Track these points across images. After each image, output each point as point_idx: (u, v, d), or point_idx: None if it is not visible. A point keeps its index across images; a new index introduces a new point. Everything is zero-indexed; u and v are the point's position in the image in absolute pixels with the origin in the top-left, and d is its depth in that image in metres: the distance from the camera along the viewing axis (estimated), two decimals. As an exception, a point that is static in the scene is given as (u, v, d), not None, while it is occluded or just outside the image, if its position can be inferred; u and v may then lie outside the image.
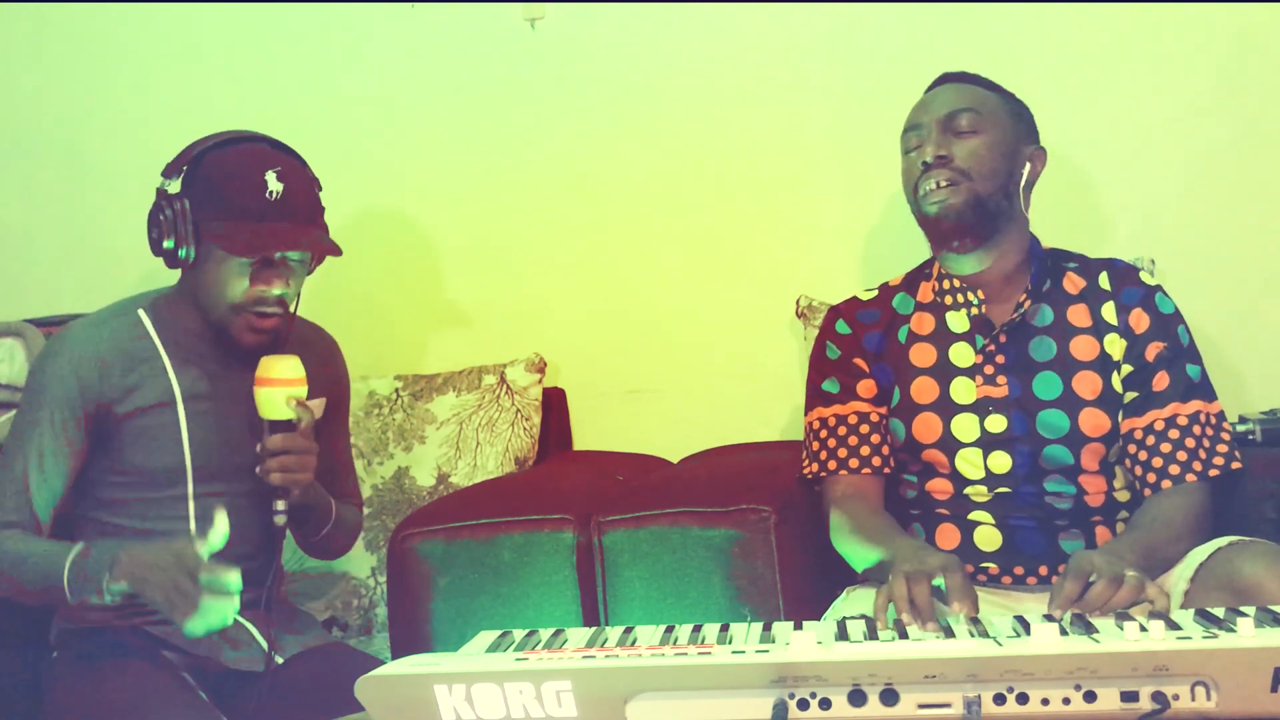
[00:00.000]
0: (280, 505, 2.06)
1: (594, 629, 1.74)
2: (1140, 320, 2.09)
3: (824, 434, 2.16)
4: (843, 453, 2.14)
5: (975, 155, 2.06)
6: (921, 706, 1.43)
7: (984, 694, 1.43)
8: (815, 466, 2.16)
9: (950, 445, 2.08)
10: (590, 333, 2.91)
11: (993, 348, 2.10)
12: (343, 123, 2.95)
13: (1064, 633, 1.53)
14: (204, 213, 2.06)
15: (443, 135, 2.94)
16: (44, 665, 2.18)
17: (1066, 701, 1.42)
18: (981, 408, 2.08)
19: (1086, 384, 2.07)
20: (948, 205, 2.05)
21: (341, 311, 2.69)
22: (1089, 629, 1.57)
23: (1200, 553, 1.89)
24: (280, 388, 2.07)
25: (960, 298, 2.12)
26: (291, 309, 2.13)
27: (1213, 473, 2.04)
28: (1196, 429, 2.05)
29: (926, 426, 2.10)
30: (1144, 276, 2.13)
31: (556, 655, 1.50)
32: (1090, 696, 1.42)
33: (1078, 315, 2.11)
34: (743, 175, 2.84)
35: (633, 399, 2.90)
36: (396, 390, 2.77)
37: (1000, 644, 1.48)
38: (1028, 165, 2.10)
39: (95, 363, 2.10)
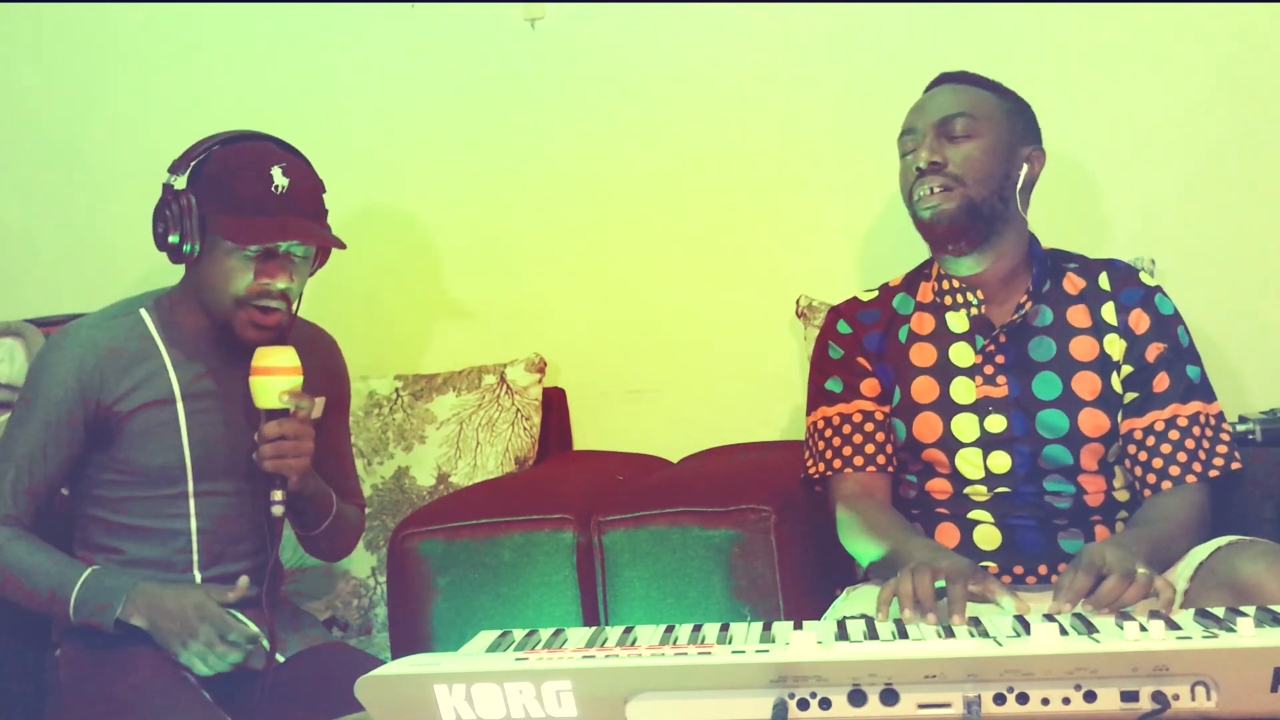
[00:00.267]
0: (277, 495, 2.06)
1: (594, 629, 1.74)
2: (1140, 321, 2.09)
3: (828, 433, 2.16)
4: (848, 451, 2.13)
5: (969, 160, 2.05)
6: (921, 706, 1.43)
7: (984, 694, 1.43)
8: (821, 466, 2.16)
9: (950, 445, 2.08)
10: (590, 333, 2.91)
11: (992, 348, 2.10)
12: (343, 122, 2.95)
13: (1064, 632, 1.53)
14: (210, 207, 2.07)
15: (443, 135, 2.94)
16: (46, 664, 2.18)
17: (1066, 701, 1.42)
18: (981, 408, 2.08)
19: (1086, 384, 2.07)
20: (941, 211, 2.05)
21: (341, 311, 2.69)
22: (1089, 629, 1.57)
23: (1200, 552, 1.89)
24: (275, 376, 2.08)
25: (960, 298, 2.12)
26: (294, 305, 2.14)
27: (1212, 473, 2.04)
28: (1196, 430, 2.05)
29: (927, 426, 2.10)
30: (1144, 277, 2.13)
31: (556, 655, 1.50)
32: (1090, 696, 1.42)
33: (1077, 316, 2.11)
34: (743, 175, 2.84)
35: (633, 399, 2.90)
36: (396, 390, 2.77)
37: (1000, 644, 1.48)
38: (1025, 167, 2.10)
39: (95, 362, 2.11)
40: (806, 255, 2.81)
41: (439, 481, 2.69)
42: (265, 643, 2.12)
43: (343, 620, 2.62)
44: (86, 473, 2.15)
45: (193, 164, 2.09)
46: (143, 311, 2.18)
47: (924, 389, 2.11)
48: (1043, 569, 2.04)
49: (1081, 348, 2.09)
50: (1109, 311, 2.10)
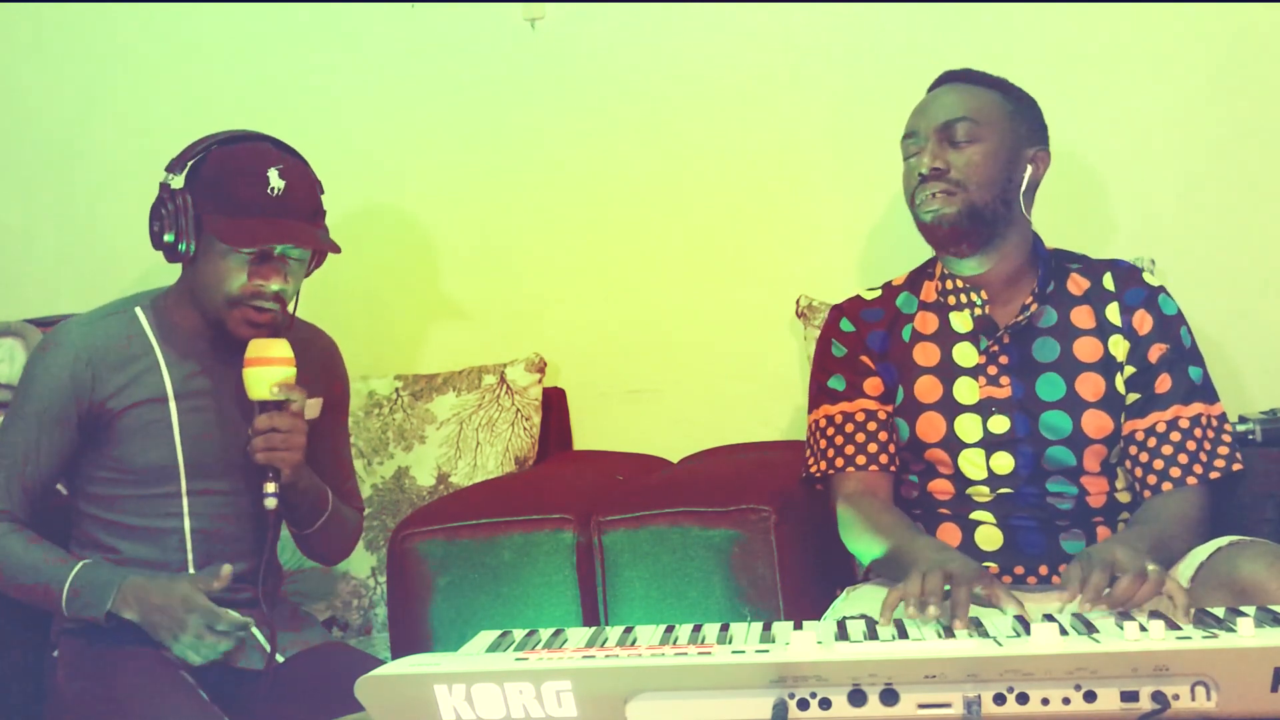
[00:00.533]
0: (270, 487, 2.06)
1: (594, 629, 1.74)
2: (1144, 322, 2.09)
3: (831, 431, 2.15)
4: (850, 450, 2.13)
5: (971, 165, 2.05)
6: (921, 706, 1.43)
7: (984, 694, 1.43)
8: (823, 464, 2.15)
9: (953, 445, 2.08)
10: (590, 333, 2.91)
11: (996, 348, 2.09)
12: (343, 122, 2.95)
13: (1064, 632, 1.53)
14: (206, 207, 2.07)
15: (443, 135, 2.94)
16: (45, 665, 2.18)
17: (1066, 701, 1.42)
18: (984, 408, 2.08)
19: (1089, 385, 2.07)
20: (942, 215, 2.05)
21: (341, 311, 2.69)
22: (1089, 629, 1.57)
23: (1201, 552, 1.89)
24: (268, 367, 2.08)
25: (964, 298, 2.12)
26: (290, 307, 2.14)
27: (1213, 475, 2.04)
28: (1198, 431, 2.05)
29: (930, 426, 2.09)
30: (1147, 277, 2.13)
31: (556, 655, 1.50)
32: (1090, 696, 1.42)
33: (1081, 317, 2.11)
34: (743, 175, 2.84)
35: (633, 399, 2.90)
36: (396, 390, 2.77)
37: (1000, 644, 1.48)
38: (1029, 169, 2.09)
39: (88, 359, 2.11)
40: (806, 255, 2.81)
41: (439, 481, 2.69)
42: (258, 634, 2.12)
43: (343, 620, 2.62)
44: (81, 471, 2.16)
45: (190, 163, 2.10)
46: (137, 310, 2.18)
47: (927, 389, 2.11)
48: (1043, 569, 2.04)
49: (1085, 349, 2.09)
50: (1113, 312, 2.10)
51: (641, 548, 2.17)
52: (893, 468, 2.13)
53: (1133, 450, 2.06)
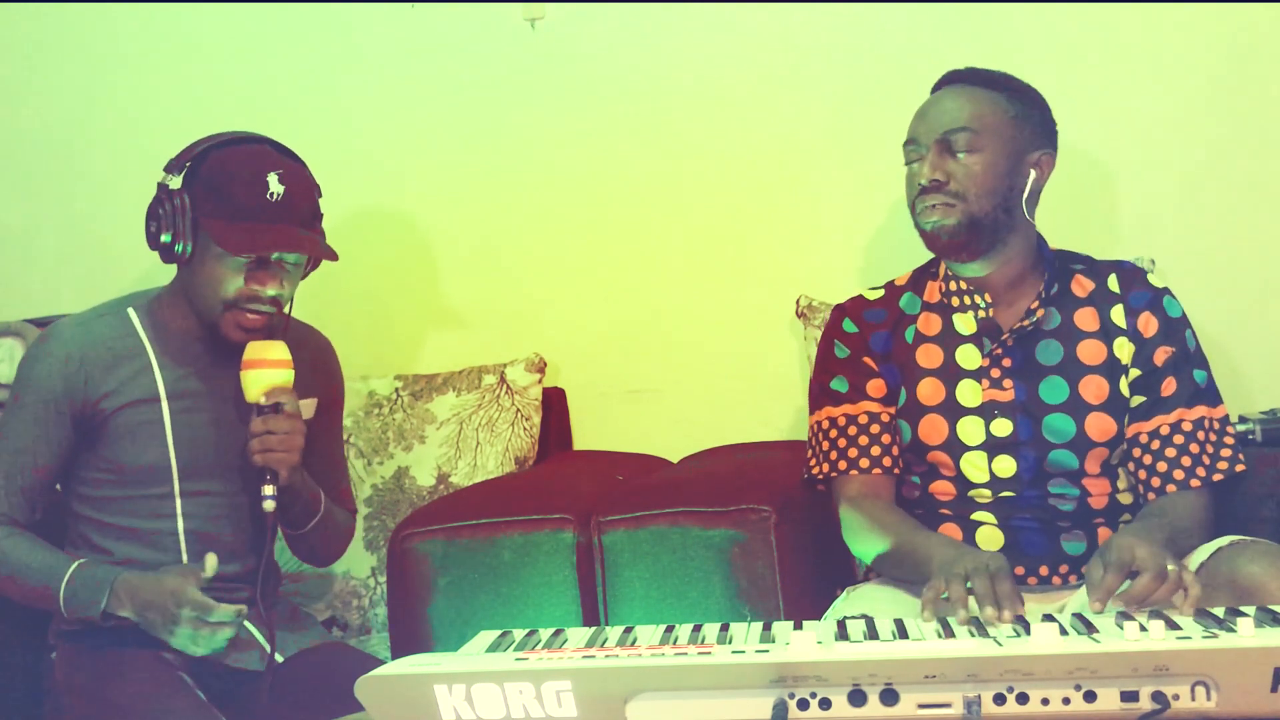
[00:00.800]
0: (268, 490, 2.06)
1: (594, 629, 1.74)
2: (1149, 324, 2.08)
3: (833, 433, 2.14)
4: (853, 452, 2.12)
5: (971, 176, 2.03)
6: (921, 706, 1.43)
7: (984, 694, 1.43)
8: (825, 466, 2.14)
9: (955, 448, 2.08)
10: (590, 333, 2.91)
11: (999, 351, 2.09)
12: (342, 122, 2.95)
13: (1064, 632, 1.53)
14: (204, 209, 2.06)
15: (443, 135, 2.94)
16: (43, 666, 2.18)
17: (1066, 701, 1.42)
18: (987, 411, 2.07)
19: (1093, 388, 2.07)
20: (941, 226, 2.03)
21: (341, 311, 2.69)
22: (1089, 629, 1.57)
23: (1202, 552, 1.89)
24: (265, 369, 2.07)
25: (967, 300, 2.11)
26: (285, 309, 2.14)
27: (1216, 477, 2.04)
28: (1201, 434, 2.05)
29: (932, 428, 2.09)
30: (1152, 279, 2.12)
31: (556, 655, 1.50)
32: (1090, 696, 1.42)
33: (1085, 319, 2.10)
34: (743, 175, 2.84)
35: (633, 399, 2.90)
36: (396, 390, 2.77)
37: (1000, 644, 1.48)
38: (1032, 173, 2.07)
39: (80, 359, 2.11)
40: (806, 255, 2.81)
41: (439, 481, 2.69)
42: (257, 634, 2.12)
43: (343, 620, 2.62)
44: (74, 472, 2.16)
45: (189, 164, 2.09)
46: (130, 310, 2.17)
47: (930, 391, 2.11)
48: (1044, 570, 2.04)
49: (1089, 351, 2.08)
50: (1118, 314, 2.09)
51: (641, 548, 2.17)
52: (896, 470, 2.13)
53: (1136, 453, 2.06)
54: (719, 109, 2.83)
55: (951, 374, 2.10)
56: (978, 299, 2.09)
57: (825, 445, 2.15)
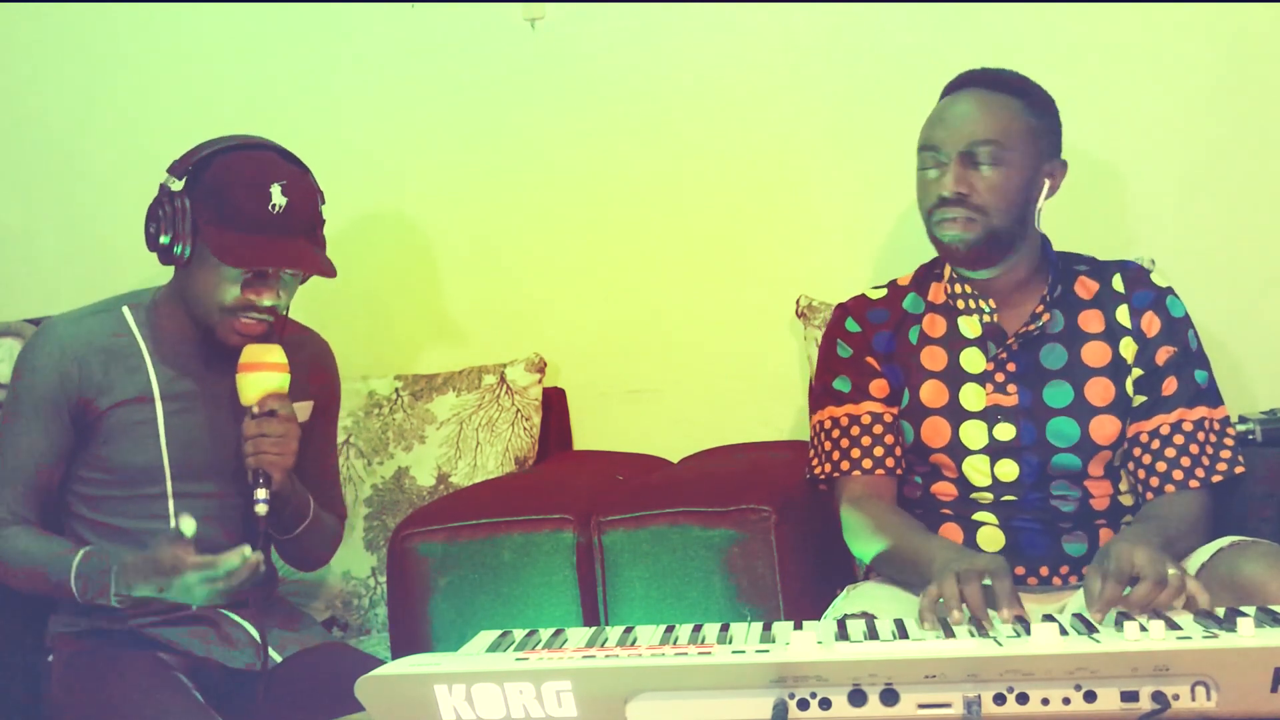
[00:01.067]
0: (260, 494, 2.05)
1: (594, 629, 1.74)
2: (1152, 324, 2.08)
3: (836, 434, 2.14)
4: (856, 453, 2.11)
5: (994, 190, 2.01)
6: (921, 706, 1.43)
7: (984, 694, 1.43)
8: (828, 467, 2.14)
9: (958, 451, 2.07)
10: (590, 333, 2.91)
11: (1004, 355, 2.08)
12: (342, 123, 2.95)
13: (1064, 632, 1.53)
14: (204, 215, 2.05)
15: (443, 135, 2.94)
16: (41, 668, 2.18)
17: (1066, 701, 1.42)
18: (990, 415, 2.07)
19: (1098, 390, 2.06)
20: (961, 240, 2.02)
21: (341, 311, 2.69)
22: (1089, 629, 1.57)
23: (1202, 553, 1.89)
24: (261, 373, 2.07)
25: (972, 303, 2.10)
26: (282, 312, 2.13)
27: (1215, 478, 2.04)
28: (1201, 435, 2.04)
29: (934, 431, 2.08)
30: (1156, 279, 2.11)
31: (556, 655, 1.50)
32: (1090, 696, 1.42)
33: (1090, 321, 2.09)
34: (743, 175, 2.84)
35: (633, 399, 2.90)
36: (396, 390, 2.77)
37: (1000, 644, 1.48)
38: (1046, 183, 2.07)
39: (75, 356, 2.10)
40: (806, 255, 2.81)
41: (439, 481, 2.69)
42: (254, 634, 2.11)
43: (343, 620, 2.62)
44: (69, 469, 2.15)
45: (192, 168, 2.07)
46: (124, 309, 2.17)
47: (933, 393, 2.10)
48: (1044, 571, 2.04)
49: (1094, 353, 2.08)
50: (1123, 314, 2.09)
51: (641, 548, 2.17)
52: (898, 471, 2.12)
53: (1136, 452, 2.06)
54: (719, 109, 2.83)
55: (955, 377, 2.10)
56: (983, 303, 2.09)
57: (827, 445, 2.15)
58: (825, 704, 1.44)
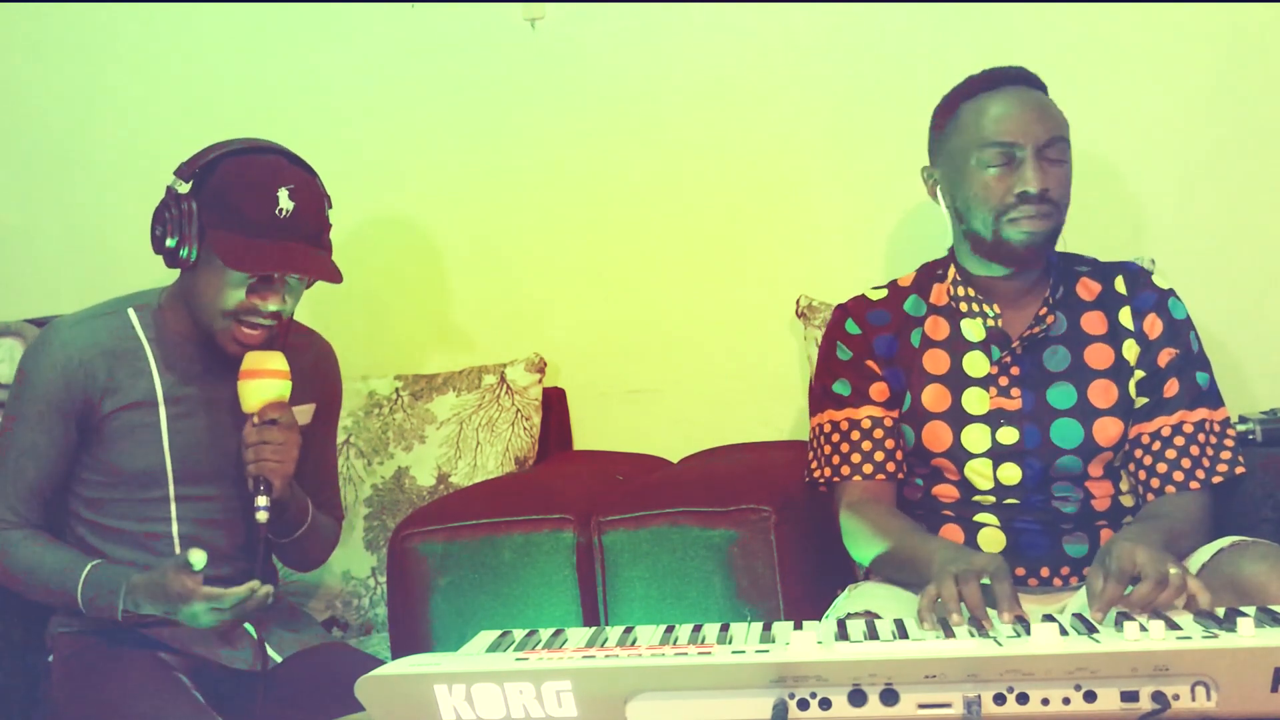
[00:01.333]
0: (262, 501, 2.05)
1: (594, 629, 1.74)
2: (1154, 325, 2.08)
3: (835, 438, 2.13)
4: (856, 458, 2.11)
5: (1063, 185, 2.02)
6: (921, 706, 1.43)
7: (984, 694, 1.43)
8: (827, 471, 2.13)
9: (960, 455, 2.07)
10: (590, 333, 2.91)
11: (1008, 359, 2.08)
12: (342, 122, 2.95)
13: (1064, 632, 1.53)
14: (210, 219, 2.04)
15: (442, 135, 2.94)
16: (40, 669, 2.18)
17: (1066, 701, 1.42)
18: (994, 419, 2.06)
19: (1101, 392, 2.06)
20: (1037, 237, 2.01)
21: (341, 311, 2.69)
22: (1089, 629, 1.57)
23: (1203, 553, 1.89)
24: (262, 380, 2.07)
25: (976, 306, 2.10)
26: (286, 317, 2.13)
27: (1216, 479, 2.04)
28: (1201, 436, 2.04)
29: (936, 435, 2.08)
30: (1158, 280, 2.11)
31: (556, 655, 1.51)
32: (1090, 696, 1.42)
33: (1092, 322, 2.09)
34: (743, 175, 2.84)
35: (633, 399, 2.90)
36: (396, 390, 2.77)
37: (1000, 644, 1.48)
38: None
39: (80, 359, 2.10)
40: (806, 255, 2.81)
41: (439, 481, 2.69)
42: (254, 634, 2.11)
43: (343, 620, 2.62)
44: (72, 472, 2.15)
45: (199, 171, 2.06)
46: (130, 311, 2.16)
47: (935, 397, 2.09)
48: (1045, 571, 2.04)
49: (1097, 355, 2.08)
50: (1126, 316, 2.09)
51: (641, 548, 2.17)
52: (899, 475, 2.11)
53: (1137, 454, 2.06)
54: (719, 109, 2.83)
55: (958, 381, 2.09)
56: (987, 306, 2.08)
57: (827, 449, 2.14)
58: (825, 704, 1.44)
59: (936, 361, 2.11)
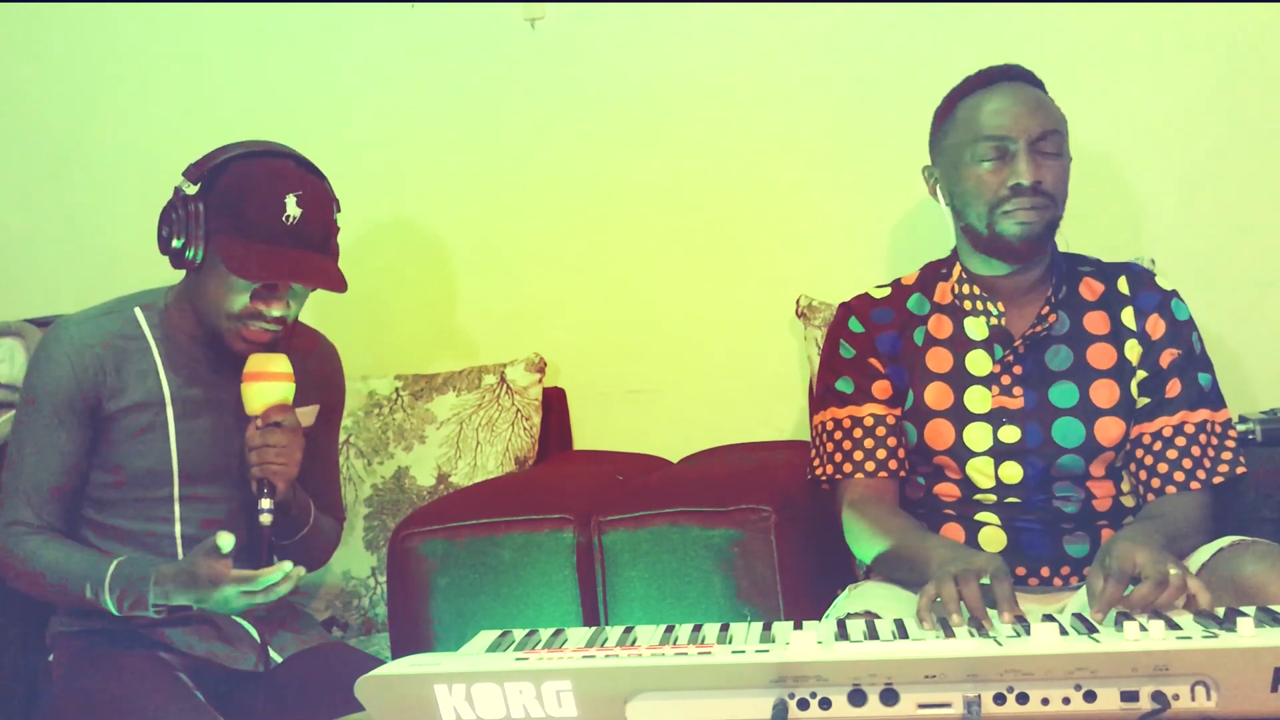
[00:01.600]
0: (265, 503, 2.04)
1: (594, 629, 1.74)
2: (1157, 326, 2.08)
3: (838, 435, 2.13)
4: (859, 455, 2.11)
5: (1058, 178, 2.03)
6: (921, 706, 1.43)
7: (984, 694, 1.43)
8: (830, 468, 2.13)
9: (961, 454, 2.07)
10: (590, 333, 2.91)
11: (1011, 358, 2.08)
12: (342, 122, 2.95)
13: (1064, 632, 1.53)
14: (218, 223, 2.03)
15: (443, 135, 2.94)
16: (40, 668, 2.18)
17: (1066, 701, 1.42)
18: (996, 418, 2.06)
19: (1103, 392, 2.06)
20: (1032, 229, 2.01)
21: (342, 311, 2.69)
22: (1089, 629, 1.57)
23: (1203, 553, 1.89)
24: (266, 383, 2.07)
25: (979, 305, 2.10)
26: (290, 321, 2.12)
27: (1216, 480, 2.04)
28: (1202, 437, 2.04)
29: (938, 433, 2.08)
30: (1160, 280, 2.11)
31: (556, 655, 1.51)
32: (1090, 696, 1.42)
33: (1095, 322, 2.09)
34: (743, 175, 2.84)
35: (633, 399, 2.90)
36: (396, 390, 2.77)
37: (1000, 644, 1.48)
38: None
39: (89, 358, 2.09)
40: (806, 255, 2.81)
41: (439, 481, 2.69)
42: (254, 635, 2.11)
43: (343, 620, 2.62)
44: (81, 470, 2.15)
45: (208, 173, 2.04)
46: (136, 310, 2.16)
47: (937, 396, 2.09)
48: (1045, 571, 2.04)
49: (1099, 355, 2.08)
50: (1128, 316, 2.09)
51: (641, 548, 2.17)
52: (901, 473, 2.11)
53: (1138, 454, 2.06)
54: (719, 109, 2.83)
55: (960, 380, 2.09)
56: (990, 305, 2.08)
57: (829, 447, 2.14)
58: (825, 704, 1.44)
59: (939, 360, 2.11)
